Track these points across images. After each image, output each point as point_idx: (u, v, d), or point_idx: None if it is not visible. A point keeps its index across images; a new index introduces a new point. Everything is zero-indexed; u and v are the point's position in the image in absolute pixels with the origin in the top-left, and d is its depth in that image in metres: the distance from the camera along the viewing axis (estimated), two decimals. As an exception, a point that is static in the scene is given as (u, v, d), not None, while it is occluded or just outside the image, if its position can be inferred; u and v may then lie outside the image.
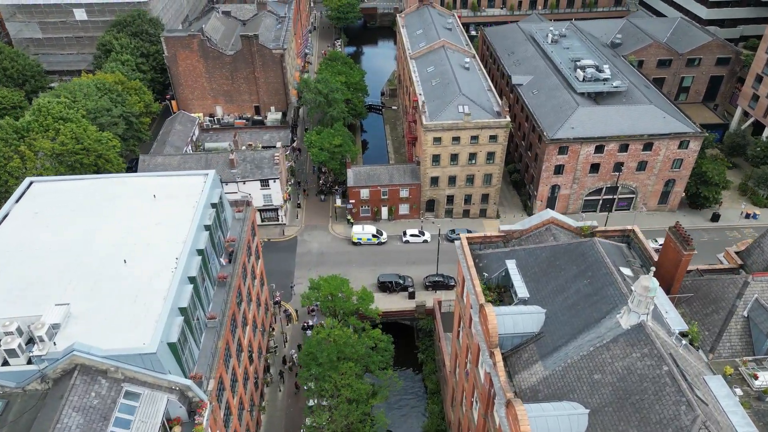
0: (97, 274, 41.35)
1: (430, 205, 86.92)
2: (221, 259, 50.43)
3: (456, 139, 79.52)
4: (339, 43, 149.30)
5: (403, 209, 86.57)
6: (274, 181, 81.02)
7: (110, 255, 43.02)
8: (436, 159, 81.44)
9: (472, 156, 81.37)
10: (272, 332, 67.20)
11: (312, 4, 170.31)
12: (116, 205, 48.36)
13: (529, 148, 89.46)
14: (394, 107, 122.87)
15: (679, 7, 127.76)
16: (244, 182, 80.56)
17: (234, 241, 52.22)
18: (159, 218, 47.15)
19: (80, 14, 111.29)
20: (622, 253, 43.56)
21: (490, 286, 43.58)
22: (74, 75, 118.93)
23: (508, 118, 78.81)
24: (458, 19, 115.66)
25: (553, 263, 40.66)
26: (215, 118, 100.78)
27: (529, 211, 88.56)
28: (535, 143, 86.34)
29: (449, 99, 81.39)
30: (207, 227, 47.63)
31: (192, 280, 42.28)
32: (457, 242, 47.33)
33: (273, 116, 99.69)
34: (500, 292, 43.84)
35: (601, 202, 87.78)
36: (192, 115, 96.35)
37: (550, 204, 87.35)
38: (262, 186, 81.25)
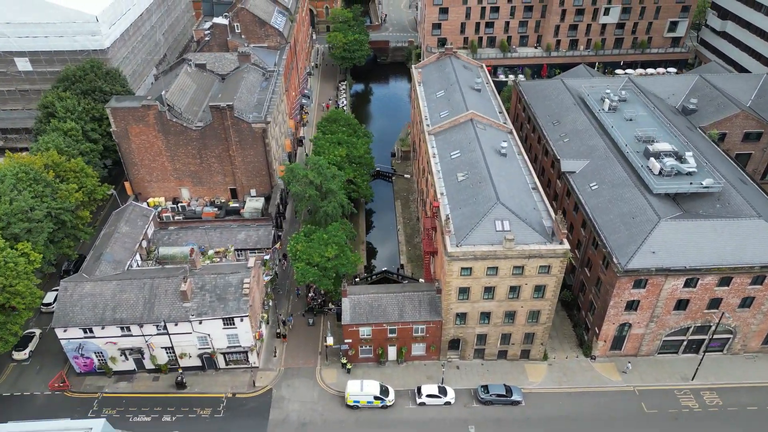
0: None
1: (455, 344, 64.80)
2: None
3: (493, 268, 57.42)
4: (344, 87, 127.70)
5: (417, 349, 64.60)
6: (242, 320, 59.36)
7: None
8: (463, 291, 59.40)
9: (514, 289, 59.22)
10: None
11: (314, 37, 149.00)
12: None
13: (587, 264, 67.18)
14: (406, 175, 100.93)
15: (758, 56, 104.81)
16: (200, 321, 59.03)
17: None
18: None
19: (23, 64, 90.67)
20: None
21: None
22: (20, 133, 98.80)
23: (567, 245, 56.47)
24: (488, 73, 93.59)
25: None
26: (179, 204, 79.35)
27: (586, 350, 66.11)
28: (596, 263, 64.00)
29: (483, 209, 59.24)
30: None
31: None
32: None
33: (252, 204, 78.00)
34: None
35: (685, 342, 65.14)
36: (145, 206, 75.05)
37: (617, 344, 64.91)
38: (225, 325, 59.69)
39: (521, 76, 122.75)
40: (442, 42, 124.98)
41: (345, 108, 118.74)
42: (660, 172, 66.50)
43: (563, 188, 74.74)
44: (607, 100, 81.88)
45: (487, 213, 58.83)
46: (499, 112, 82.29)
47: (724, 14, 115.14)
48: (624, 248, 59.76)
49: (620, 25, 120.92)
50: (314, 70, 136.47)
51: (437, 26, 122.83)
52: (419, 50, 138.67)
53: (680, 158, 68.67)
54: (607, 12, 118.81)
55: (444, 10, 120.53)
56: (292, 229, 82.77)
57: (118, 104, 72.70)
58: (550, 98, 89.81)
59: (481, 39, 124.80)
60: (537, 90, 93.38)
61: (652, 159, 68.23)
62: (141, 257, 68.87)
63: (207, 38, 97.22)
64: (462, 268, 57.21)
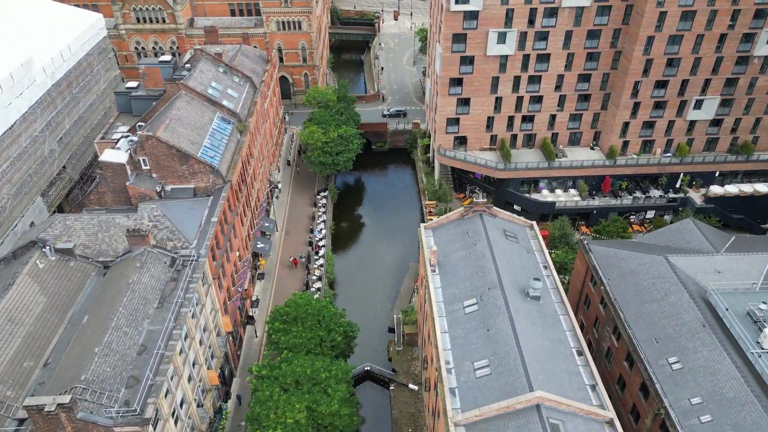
0: None
1: None
2: None
3: None
4: (323, 202, 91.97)
5: None
6: None
7: None
8: None
9: None
10: None
11: (287, 118, 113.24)
12: None
13: None
14: (412, 386, 64.74)
15: None
16: None
17: None
18: None
19: None
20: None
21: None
22: None
23: None
24: (542, 240, 57.79)
25: None
26: None
27: None
28: None
29: None
30: None
31: None
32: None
33: None
34: None
35: None
36: None
37: None
38: None
39: (573, 192, 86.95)
40: (460, 140, 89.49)
41: (323, 243, 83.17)
42: None
43: None
44: (768, 331, 46.20)
45: None
46: (579, 354, 46.42)
47: None
48: None
49: (715, 122, 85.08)
50: (287, 168, 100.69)
51: (454, 121, 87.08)
52: (427, 140, 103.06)
53: None
54: (698, 105, 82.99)
55: (464, 102, 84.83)
56: None
57: None
58: (650, 294, 53.70)
59: (515, 137, 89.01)
60: (625, 270, 57.25)
61: None
62: None
63: (96, 179, 61.51)
64: None
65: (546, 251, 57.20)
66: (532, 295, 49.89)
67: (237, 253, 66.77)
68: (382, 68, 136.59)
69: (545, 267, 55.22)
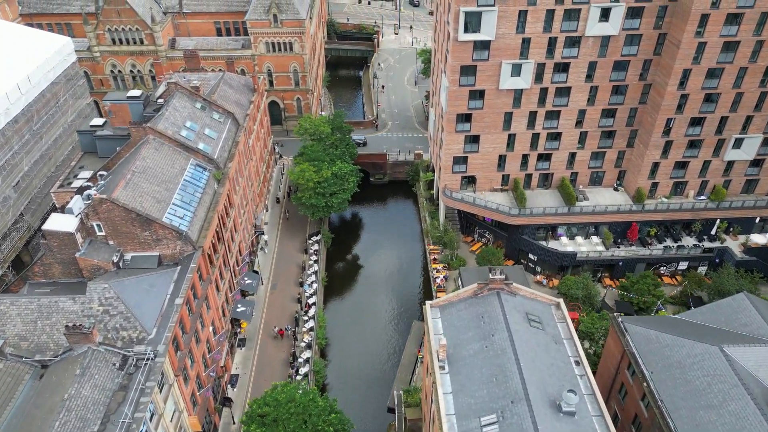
0: None
1: None
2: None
3: None
4: (315, 248, 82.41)
5: None
6: None
7: None
8: None
9: None
10: None
11: (277, 150, 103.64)
12: None
13: None
14: (416, 485, 55.32)
15: None
16: None
17: None
18: None
19: None
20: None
21: None
22: None
23: None
24: (579, 345, 47.92)
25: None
26: None
27: None
28: None
29: None
30: None
31: None
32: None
33: None
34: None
35: None
36: None
37: None
38: None
39: (596, 239, 77.42)
40: (468, 180, 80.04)
41: (314, 300, 73.69)
42: None
43: None
44: None
45: None
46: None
47: None
48: None
49: (756, 162, 75.64)
50: (275, 206, 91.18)
51: (462, 160, 77.59)
52: (431, 174, 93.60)
53: None
54: (738, 144, 73.55)
55: (473, 139, 75.37)
56: None
57: None
58: (706, 398, 44.14)
59: (529, 177, 79.52)
60: (671, 362, 47.62)
61: None
62: None
63: (41, 252, 52.05)
64: None
65: (576, 339, 47.62)
66: (565, 410, 40.36)
67: (211, 328, 57.24)
68: (383, 86, 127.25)
69: (577, 363, 45.71)
